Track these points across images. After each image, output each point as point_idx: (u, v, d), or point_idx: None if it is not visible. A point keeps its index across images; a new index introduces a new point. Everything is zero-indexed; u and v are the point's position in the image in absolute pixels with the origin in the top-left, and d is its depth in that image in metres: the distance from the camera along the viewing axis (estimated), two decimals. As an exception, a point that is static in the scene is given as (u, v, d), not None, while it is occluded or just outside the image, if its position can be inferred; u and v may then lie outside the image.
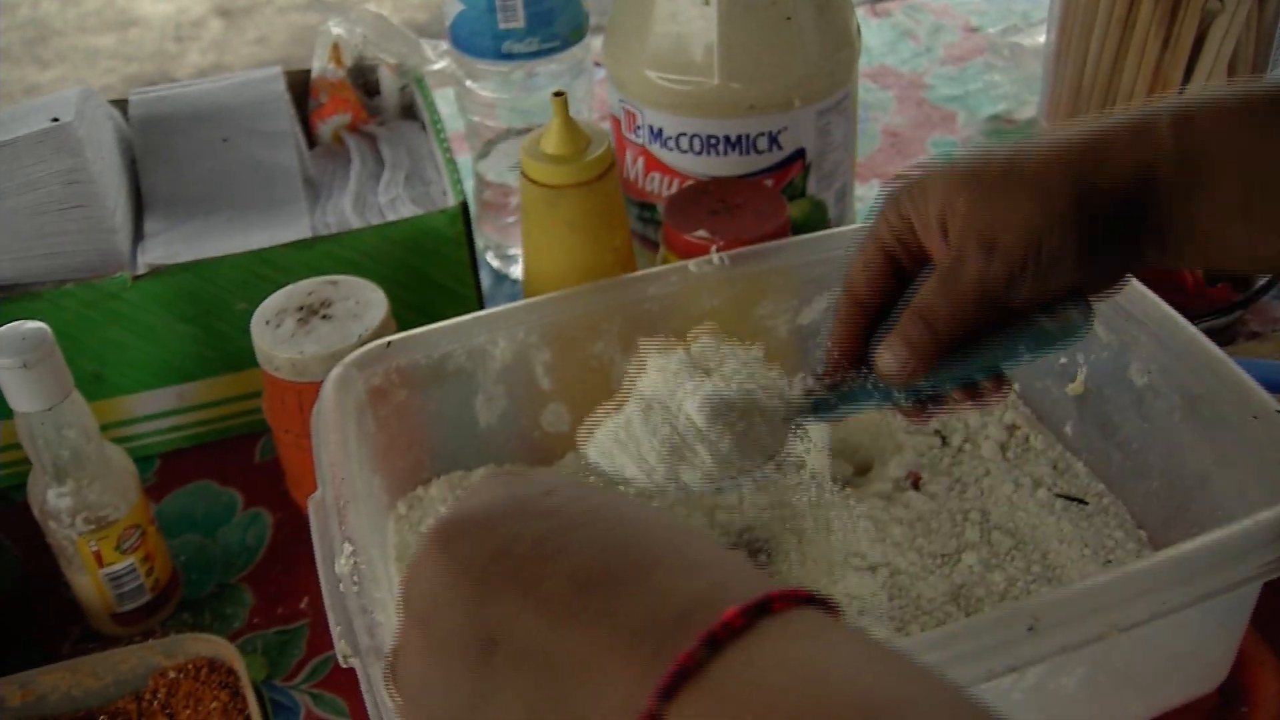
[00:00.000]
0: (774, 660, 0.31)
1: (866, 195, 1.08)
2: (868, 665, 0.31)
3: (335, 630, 0.55)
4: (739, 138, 0.84)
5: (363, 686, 0.53)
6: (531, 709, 0.34)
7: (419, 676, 0.37)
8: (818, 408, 0.56)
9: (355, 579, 0.56)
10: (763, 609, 0.32)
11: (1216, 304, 0.85)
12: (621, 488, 0.55)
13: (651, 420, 0.54)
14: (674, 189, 0.87)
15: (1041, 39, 1.16)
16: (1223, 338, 0.83)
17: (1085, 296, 0.54)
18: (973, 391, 0.55)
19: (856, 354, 0.56)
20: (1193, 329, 0.66)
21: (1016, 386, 0.76)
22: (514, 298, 0.97)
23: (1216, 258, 0.54)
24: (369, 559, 0.57)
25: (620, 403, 0.56)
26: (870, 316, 0.55)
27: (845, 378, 0.56)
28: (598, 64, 0.98)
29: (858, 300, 0.55)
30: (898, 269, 0.55)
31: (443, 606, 0.36)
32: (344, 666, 0.54)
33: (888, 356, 0.53)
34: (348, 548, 0.57)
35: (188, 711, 0.66)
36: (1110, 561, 0.68)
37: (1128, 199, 0.51)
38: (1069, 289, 0.53)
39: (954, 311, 0.52)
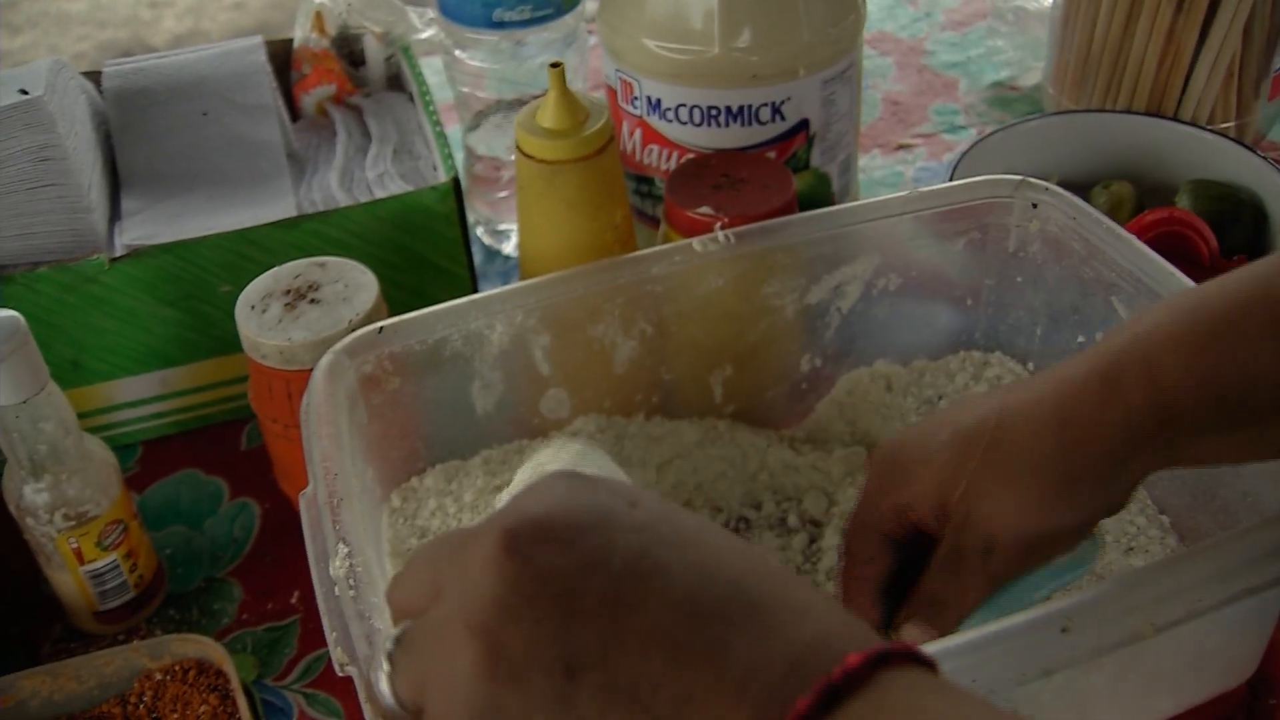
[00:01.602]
0: (899, 713, 0.29)
1: (869, 166, 1.05)
2: None
3: (330, 637, 0.52)
4: (741, 108, 0.81)
5: (360, 696, 0.50)
6: None
7: (480, 697, 0.32)
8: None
9: (351, 582, 0.53)
10: (880, 661, 0.30)
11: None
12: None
13: None
14: (673, 162, 0.84)
15: (1047, 2, 1.13)
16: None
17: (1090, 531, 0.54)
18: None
19: (879, 618, 0.55)
20: (1221, 309, 0.63)
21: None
22: (507, 275, 0.94)
23: (1213, 462, 0.53)
24: (365, 560, 0.54)
25: None
26: (880, 589, 0.54)
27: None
28: (591, 32, 0.95)
29: (866, 581, 0.54)
30: (897, 543, 0.54)
31: (518, 622, 0.32)
32: (340, 675, 0.52)
33: (915, 634, 0.52)
34: (342, 549, 0.54)
35: (175, 715, 0.63)
36: (1133, 549, 0.66)
37: (1114, 464, 0.50)
38: (1075, 543, 0.53)
39: (965, 598, 0.52)
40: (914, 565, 0.54)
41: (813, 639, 0.31)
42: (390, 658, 0.36)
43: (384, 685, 0.36)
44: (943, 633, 0.52)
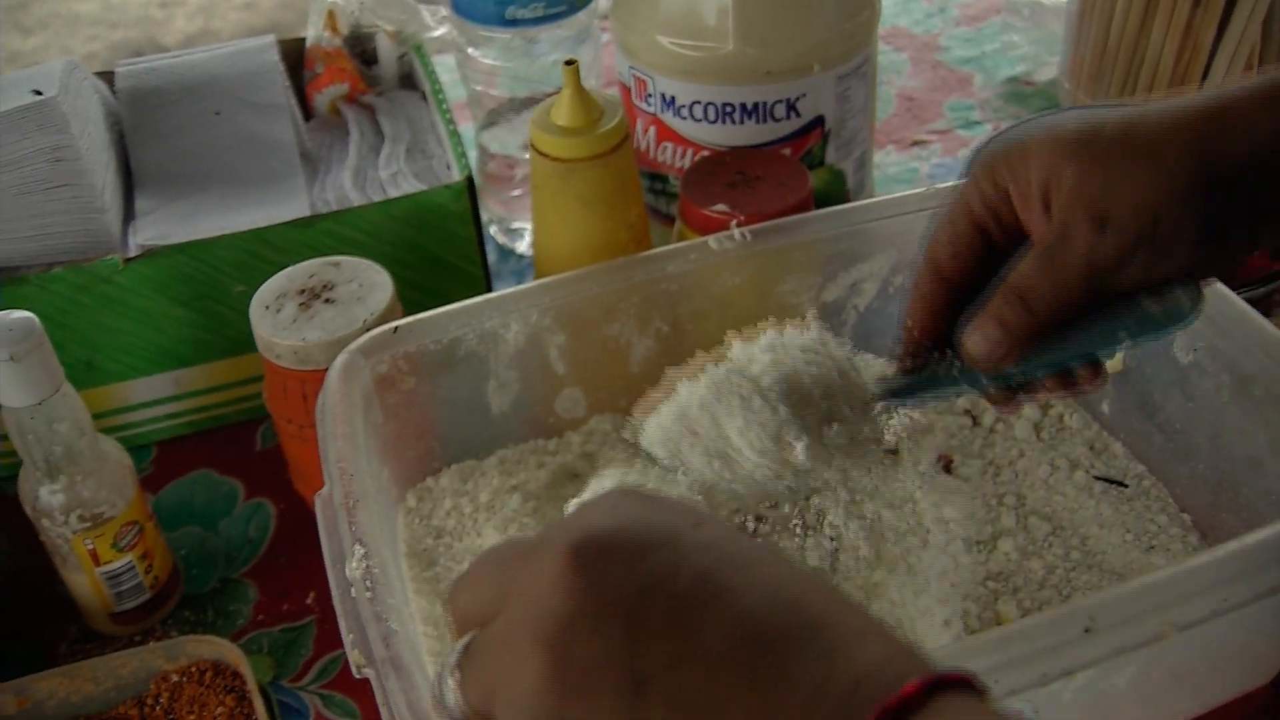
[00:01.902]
0: None
1: (884, 163, 1.04)
2: None
3: (347, 639, 0.52)
4: (755, 105, 0.81)
5: (378, 698, 0.50)
6: None
7: (547, 710, 0.32)
8: (898, 394, 0.52)
9: (368, 584, 0.53)
10: (937, 687, 0.30)
11: (1253, 272, 0.82)
12: (676, 476, 0.52)
13: (726, 404, 0.50)
14: (687, 159, 0.83)
15: (1062, -3, 1.12)
16: (1261, 307, 0.80)
17: (1196, 280, 0.50)
18: (1067, 379, 0.51)
19: (938, 334, 0.51)
20: (1244, 304, 0.62)
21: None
22: (520, 273, 0.94)
23: None
24: (381, 561, 0.54)
25: (682, 381, 0.52)
26: (955, 294, 0.51)
27: (927, 360, 0.52)
28: (604, 29, 0.95)
29: (942, 275, 0.51)
30: (988, 242, 0.50)
31: (586, 636, 0.32)
32: (357, 677, 0.51)
33: (978, 338, 0.49)
34: (359, 550, 0.54)
35: (192, 717, 0.63)
36: (1154, 548, 0.66)
37: (1257, 172, 0.46)
38: (1182, 271, 0.48)
39: (1056, 292, 0.47)
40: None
41: (872, 662, 0.31)
42: (458, 666, 0.36)
43: (451, 696, 0.36)
44: (1015, 335, 0.48)
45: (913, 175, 1.03)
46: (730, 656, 0.31)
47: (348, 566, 0.54)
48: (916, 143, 1.07)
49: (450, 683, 0.36)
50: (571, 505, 0.64)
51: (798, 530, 0.69)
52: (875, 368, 0.53)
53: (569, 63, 0.69)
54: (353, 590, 0.53)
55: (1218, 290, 0.64)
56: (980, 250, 0.50)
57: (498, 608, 0.35)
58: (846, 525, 0.70)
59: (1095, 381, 0.51)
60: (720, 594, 0.32)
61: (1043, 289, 0.47)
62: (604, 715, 0.32)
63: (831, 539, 0.69)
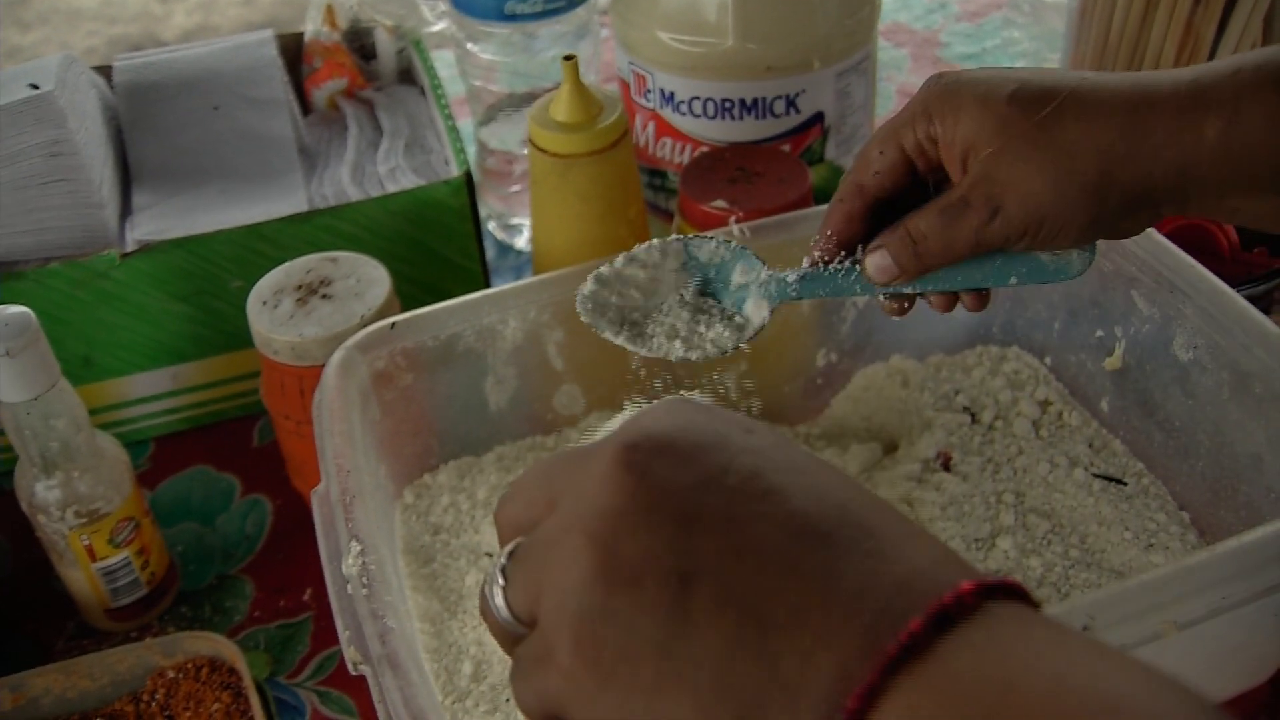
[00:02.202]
0: (1007, 647, 0.29)
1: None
2: (1112, 669, 0.28)
3: (344, 636, 0.52)
4: (755, 101, 0.80)
5: (374, 695, 0.50)
6: (730, 656, 0.31)
7: (594, 601, 0.32)
8: (804, 287, 0.56)
9: (364, 580, 0.53)
10: (990, 592, 0.30)
11: (1254, 270, 0.82)
12: (608, 336, 0.57)
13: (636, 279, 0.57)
14: (687, 155, 0.83)
15: (1062, -7, 1.12)
16: (1260, 305, 0.80)
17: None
18: (952, 301, 0.56)
19: (850, 239, 0.55)
20: (1244, 302, 0.62)
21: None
22: (519, 269, 0.94)
23: (1236, 221, 0.53)
24: (378, 558, 0.54)
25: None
26: (871, 205, 0.55)
27: (834, 262, 0.55)
28: (603, 23, 0.94)
29: (864, 190, 0.54)
30: (911, 169, 0.54)
31: (635, 531, 0.32)
32: (354, 674, 0.51)
33: (874, 262, 0.53)
34: (355, 546, 0.54)
35: (188, 713, 0.63)
36: (1153, 545, 0.65)
37: (1153, 188, 0.49)
38: (1069, 246, 0.53)
39: (945, 250, 0.52)
40: (905, 212, 0.53)
41: (921, 565, 0.31)
42: (504, 572, 0.36)
43: (499, 599, 0.36)
44: (906, 272, 0.53)
45: (912, 172, 1.03)
46: (778, 552, 0.31)
47: (344, 563, 0.54)
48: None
49: (498, 588, 0.36)
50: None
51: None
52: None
53: (568, 58, 0.69)
54: (349, 587, 0.53)
55: (1217, 287, 0.63)
56: (902, 175, 0.54)
57: (546, 512, 0.36)
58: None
59: (979, 307, 0.56)
60: (770, 493, 0.33)
61: (933, 243, 0.52)
62: (651, 608, 0.32)
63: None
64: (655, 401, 0.37)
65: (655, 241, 0.57)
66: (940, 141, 0.52)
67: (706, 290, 0.57)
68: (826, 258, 0.55)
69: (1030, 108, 0.50)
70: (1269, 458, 0.61)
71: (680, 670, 0.31)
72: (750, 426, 0.36)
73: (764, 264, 0.57)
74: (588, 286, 0.57)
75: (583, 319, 0.57)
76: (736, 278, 0.57)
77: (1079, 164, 0.49)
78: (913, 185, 0.54)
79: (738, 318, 0.57)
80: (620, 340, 0.57)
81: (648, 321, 0.57)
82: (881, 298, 0.56)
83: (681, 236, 0.57)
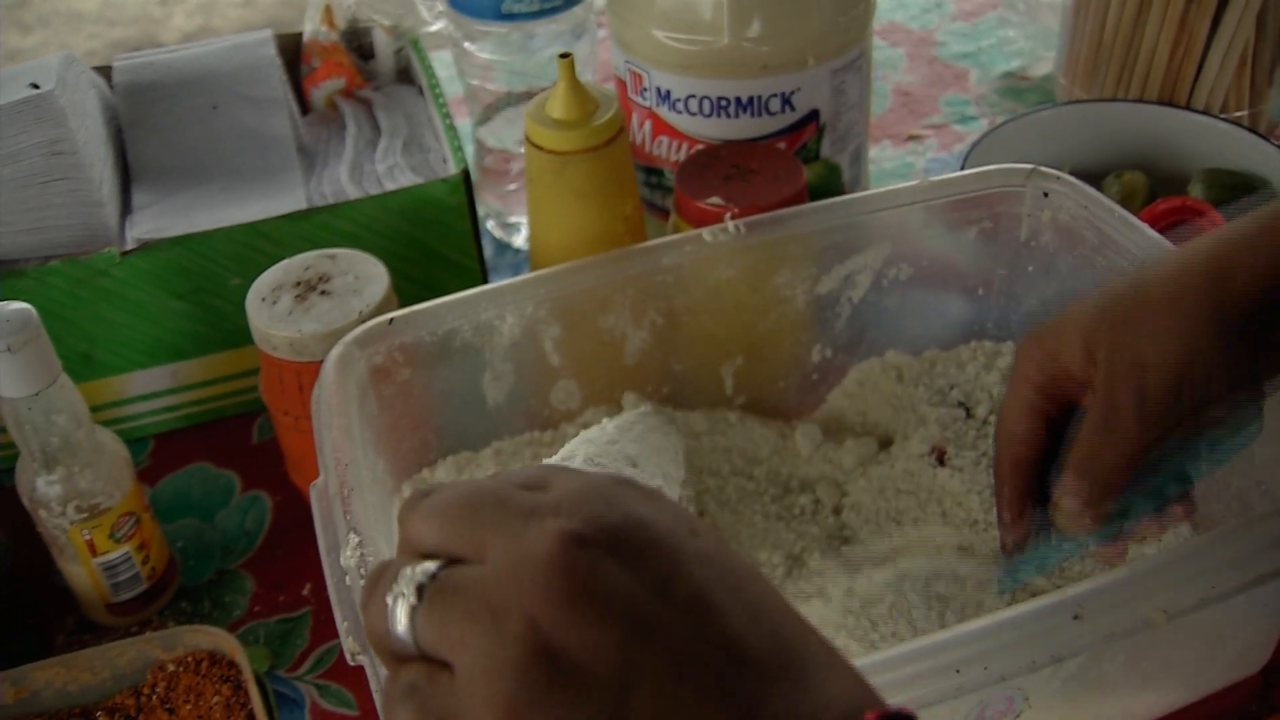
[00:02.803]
0: None
1: (879, 158, 1.05)
2: None
3: (342, 626, 0.52)
4: (750, 99, 0.81)
5: (372, 685, 0.51)
6: None
7: (528, 686, 0.32)
8: (1022, 575, 0.58)
9: (362, 572, 0.53)
10: (888, 718, 0.32)
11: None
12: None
13: None
14: (683, 153, 0.84)
15: (1057, -8, 1.12)
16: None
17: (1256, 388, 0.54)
18: (1160, 515, 0.56)
19: (1032, 507, 0.56)
20: (1234, 296, 0.62)
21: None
22: (517, 268, 0.94)
23: None
24: (376, 550, 0.54)
25: None
26: (1035, 471, 0.55)
27: (1031, 533, 0.57)
28: (600, 23, 0.95)
29: (1018, 461, 0.56)
30: (1050, 418, 0.55)
31: (582, 626, 0.32)
32: (352, 664, 0.52)
33: (1064, 516, 0.54)
34: (353, 539, 0.54)
35: (188, 706, 0.63)
36: (1145, 538, 0.66)
37: (1267, 307, 0.50)
38: (1227, 407, 0.52)
39: (1116, 455, 0.52)
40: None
41: (834, 694, 0.33)
42: (419, 592, 0.35)
43: (402, 617, 0.35)
44: (1098, 505, 0.52)
45: (908, 170, 1.03)
46: (715, 676, 0.32)
47: (342, 555, 0.54)
48: (912, 137, 1.07)
49: (404, 605, 0.35)
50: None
51: (792, 520, 0.70)
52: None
53: (564, 56, 0.69)
54: (347, 579, 0.53)
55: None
56: (1045, 425, 0.55)
57: (472, 554, 0.35)
58: (841, 514, 0.70)
59: (1187, 509, 0.57)
60: (714, 613, 0.33)
61: (1107, 459, 0.52)
62: (589, 707, 0.32)
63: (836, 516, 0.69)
64: (598, 475, 0.37)
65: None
66: (1059, 359, 0.53)
67: None
68: (1020, 541, 0.57)
69: (1116, 298, 0.52)
70: (1260, 450, 0.61)
71: None
72: (695, 529, 0.36)
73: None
74: None
75: None
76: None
77: (1188, 301, 0.50)
78: (1057, 442, 0.55)
79: None
80: None
81: None
82: (1094, 547, 0.56)
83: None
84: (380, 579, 0.36)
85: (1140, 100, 0.96)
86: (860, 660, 0.48)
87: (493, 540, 0.35)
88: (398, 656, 0.36)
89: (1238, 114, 0.96)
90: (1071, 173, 0.73)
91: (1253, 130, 0.89)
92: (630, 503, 0.36)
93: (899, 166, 1.04)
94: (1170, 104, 0.94)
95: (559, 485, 0.36)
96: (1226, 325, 0.50)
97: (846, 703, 0.33)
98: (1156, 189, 0.88)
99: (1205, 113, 0.93)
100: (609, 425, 0.65)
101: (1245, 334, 0.50)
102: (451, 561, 0.36)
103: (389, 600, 0.35)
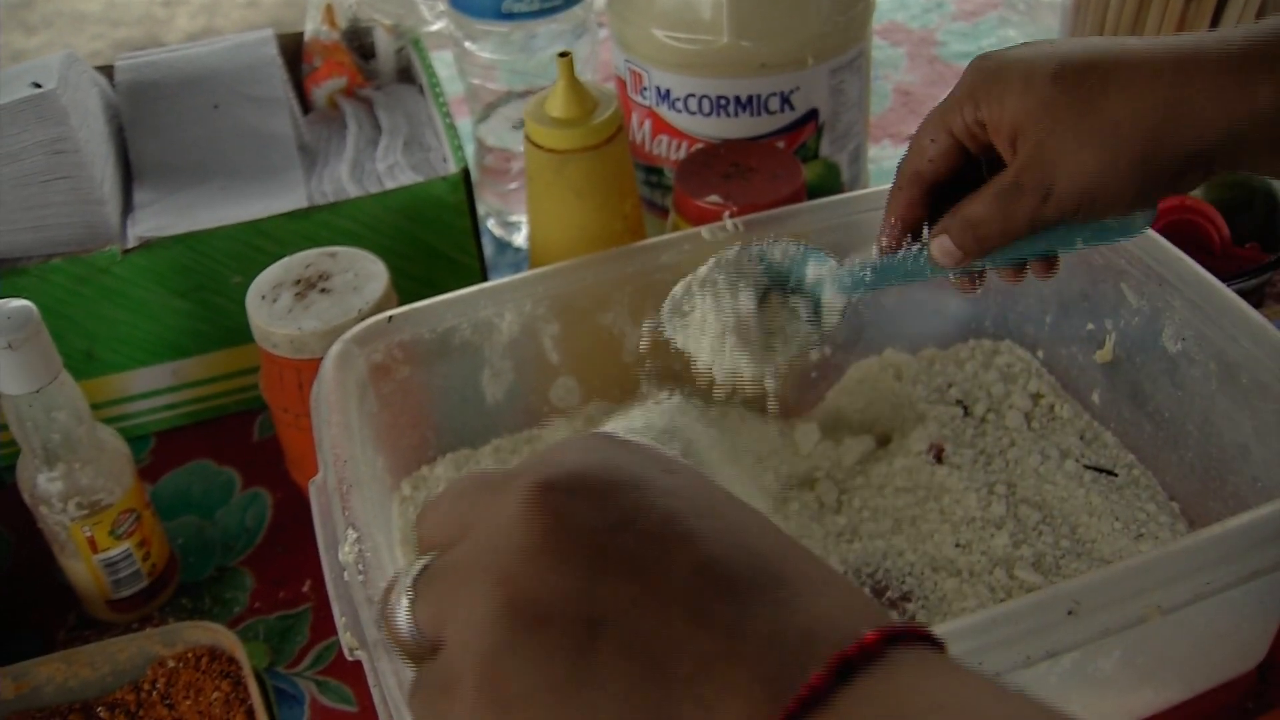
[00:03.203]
0: (906, 696, 0.29)
1: (879, 157, 1.05)
2: (1011, 711, 0.29)
3: (340, 621, 0.53)
4: (750, 98, 0.81)
5: (369, 680, 0.51)
6: (632, 707, 0.30)
7: (499, 642, 0.32)
8: (876, 277, 0.57)
9: (360, 567, 0.53)
10: (894, 639, 0.30)
11: (1245, 265, 0.82)
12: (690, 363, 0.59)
13: (718, 301, 0.58)
14: (682, 152, 0.84)
15: (1057, -8, 1.12)
16: (1252, 299, 0.81)
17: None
18: (1021, 271, 0.57)
19: (914, 224, 0.57)
20: (1230, 293, 0.63)
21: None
22: (517, 266, 0.95)
23: None
24: (374, 545, 0.55)
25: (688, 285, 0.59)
26: (929, 190, 0.56)
27: (900, 249, 0.57)
28: (601, 23, 0.95)
29: (919, 174, 0.56)
30: (964, 151, 0.55)
31: (545, 572, 0.32)
32: (350, 659, 0.52)
33: (938, 246, 0.55)
34: (351, 534, 0.55)
35: (188, 702, 0.64)
36: (1142, 535, 0.66)
37: (1204, 151, 0.49)
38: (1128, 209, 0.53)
39: (1003, 231, 0.53)
40: (965, 189, 0.54)
41: (830, 612, 0.31)
42: (414, 586, 0.35)
43: (403, 615, 0.36)
44: (969, 255, 0.54)
45: (908, 169, 1.03)
46: (689, 601, 0.31)
47: (340, 550, 0.54)
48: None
49: (404, 602, 0.35)
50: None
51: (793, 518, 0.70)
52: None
53: (563, 54, 0.69)
54: (345, 574, 0.54)
55: (1205, 280, 0.64)
56: (956, 159, 0.55)
57: (459, 535, 0.35)
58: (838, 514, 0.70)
59: (1048, 274, 0.57)
60: (684, 538, 0.32)
61: (991, 227, 0.53)
62: (556, 652, 0.31)
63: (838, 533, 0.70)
64: (578, 435, 0.37)
65: (729, 252, 0.59)
66: (988, 125, 0.53)
67: (784, 289, 0.59)
68: (893, 245, 0.57)
69: (1073, 86, 0.50)
70: (1255, 448, 0.61)
71: (581, 718, 0.31)
72: (671, 466, 0.35)
73: (834, 258, 0.58)
74: (668, 305, 0.60)
75: (668, 333, 0.60)
76: (810, 274, 0.59)
77: (1125, 138, 0.50)
78: (967, 165, 0.56)
79: (809, 315, 0.59)
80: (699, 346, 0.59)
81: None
82: (952, 277, 0.57)
83: (752, 245, 0.59)
84: (392, 586, 0.37)
85: (1139, 99, 0.96)
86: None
87: (473, 517, 0.35)
88: (416, 656, 0.36)
89: (1237, 113, 0.95)
90: (1070, 171, 0.73)
91: (1251, 129, 0.89)
92: (601, 449, 0.36)
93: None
94: (1169, 103, 0.94)
95: (539, 453, 0.37)
96: (1154, 165, 0.50)
97: (843, 622, 0.31)
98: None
99: (1204, 112, 0.93)
100: (636, 414, 0.64)
101: (1166, 177, 0.50)
102: (445, 551, 0.36)
103: (393, 605, 0.36)
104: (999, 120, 0.52)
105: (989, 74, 0.53)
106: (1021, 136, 0.51)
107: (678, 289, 0.59)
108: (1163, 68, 0.50)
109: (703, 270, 0.59)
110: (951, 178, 0.55)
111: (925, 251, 0.56)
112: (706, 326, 0.58)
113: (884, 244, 0.57)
